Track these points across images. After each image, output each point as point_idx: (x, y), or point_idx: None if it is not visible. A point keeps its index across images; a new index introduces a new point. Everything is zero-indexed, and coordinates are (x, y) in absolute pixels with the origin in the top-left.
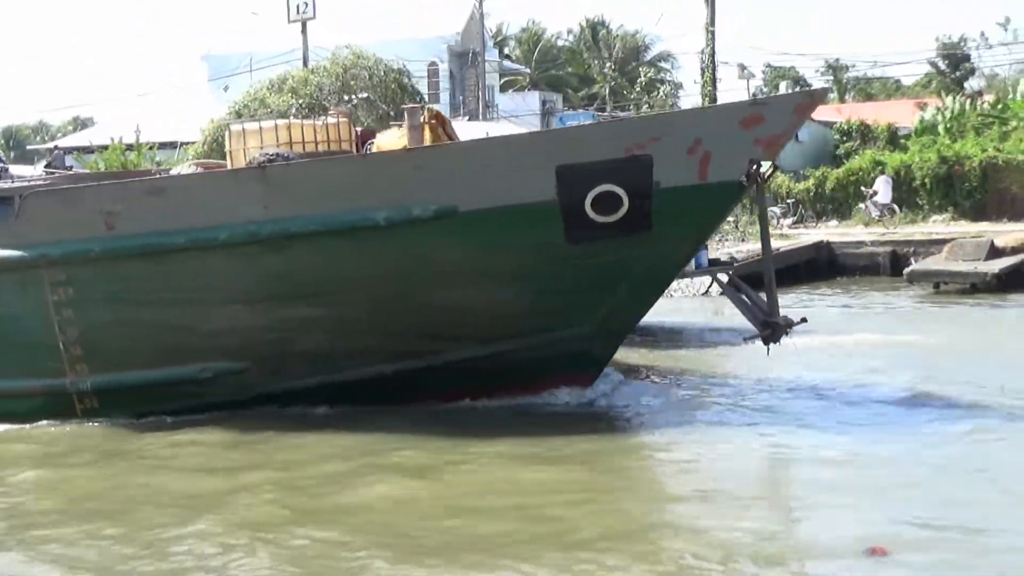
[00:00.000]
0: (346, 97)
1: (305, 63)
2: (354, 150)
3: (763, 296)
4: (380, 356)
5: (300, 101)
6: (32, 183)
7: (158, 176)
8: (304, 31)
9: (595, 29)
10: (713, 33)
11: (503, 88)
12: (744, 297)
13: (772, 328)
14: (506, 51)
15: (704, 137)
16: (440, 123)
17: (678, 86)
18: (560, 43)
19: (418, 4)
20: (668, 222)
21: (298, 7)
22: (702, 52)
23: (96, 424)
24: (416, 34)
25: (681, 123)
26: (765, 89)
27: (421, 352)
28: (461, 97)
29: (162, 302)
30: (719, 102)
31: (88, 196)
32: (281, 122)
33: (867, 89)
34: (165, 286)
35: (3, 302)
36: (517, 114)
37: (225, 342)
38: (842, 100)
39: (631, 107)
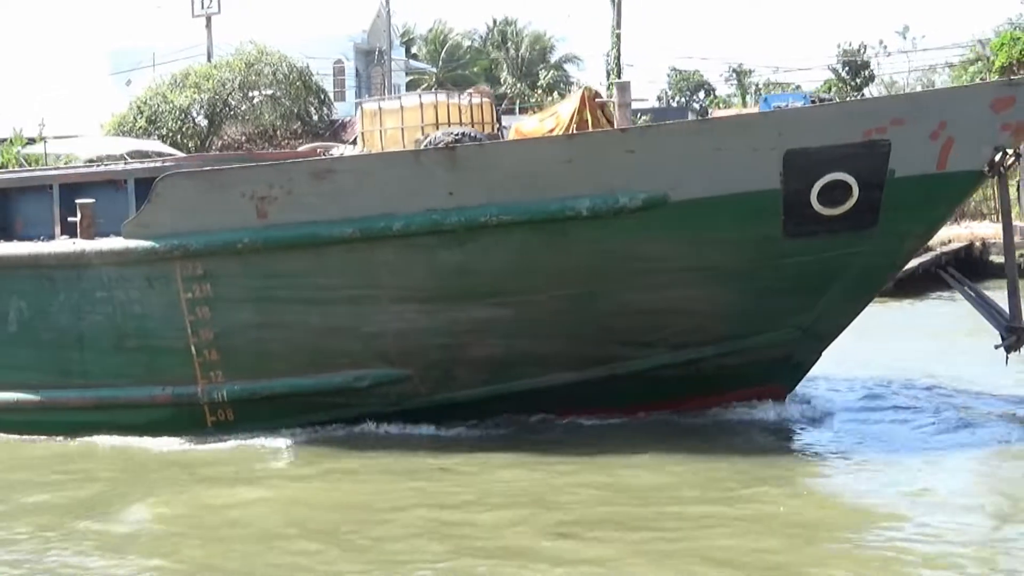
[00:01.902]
0: (250, 93)
1: (209, 58)
2: (495, 132)
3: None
4: (562, 364)
5: (203, 96)
6: (167, 164)
7: (323, 157)
8: (208, 26)
9: (503, 30)
10: (619, 36)
11: (409, 87)
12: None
13: (1018, 335)
14: (412, 50)
15: (949, 120)
16: (600, 105)
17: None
18: (467, 43)
19: (324, 1)
20: (896, 215)
21: (203, 2)
22: (607, 54)
23: (238, 439)
24: (322, 31)
25: (927, 103)
26: (669, 92)
27: (608, 359)
28: (367, 95)
29: (317, 300)
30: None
31: (238, 180)
32: (427, 100)
33: (769, 93)
34: (323, 283)
35: (127, 299)
36: None
37: (387, 346)
38: (744, 104)
39: (533, 109)
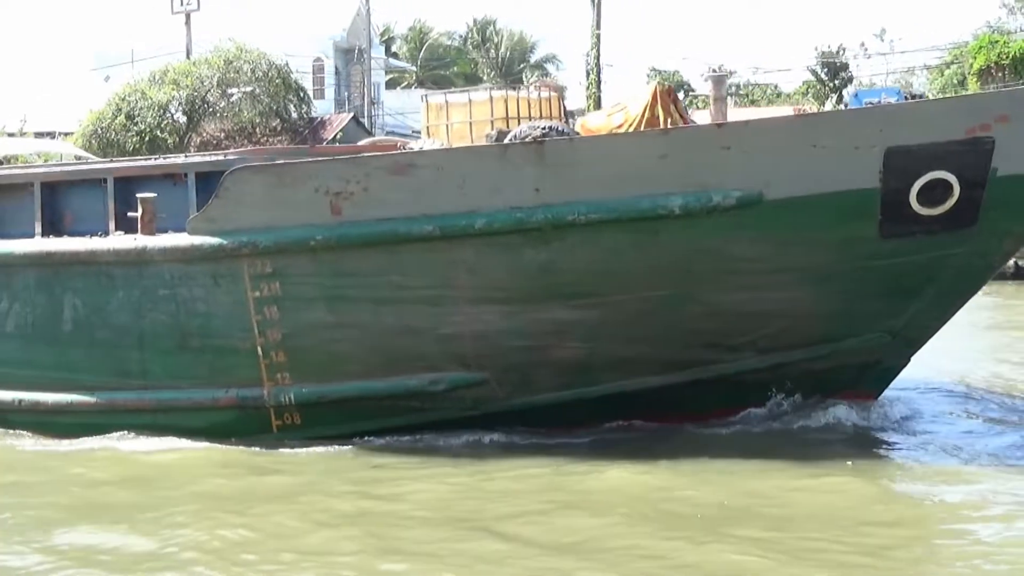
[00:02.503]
0: (229, 90)
1: (188, 55)
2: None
3: None
4: (644, 368)
5: (181, 93)
6: (229, 159)
7: (403, 151)
8: (188, 23)
9: (483, 29)
10: (599, 36)
11: (389, 85)
12: None
13: None
14: (392, 49)
15: None
16: (673, 100)
17: (563, 88)
18: (447, 42)
19: None
20: (996, 215)
21: None
22: (587, 54)
23: (313, 445)
24: (302, 29)
25: None
26: None
27: (692, 363)
28: (346, 94)
29: (392, 300)
30: (604, 104)
31: (312, 174)
32: (496, 94)
33: (749, 95)
34: (399, 282)
35: (190, 297)
36: (403, 111)
37: (463, 349)
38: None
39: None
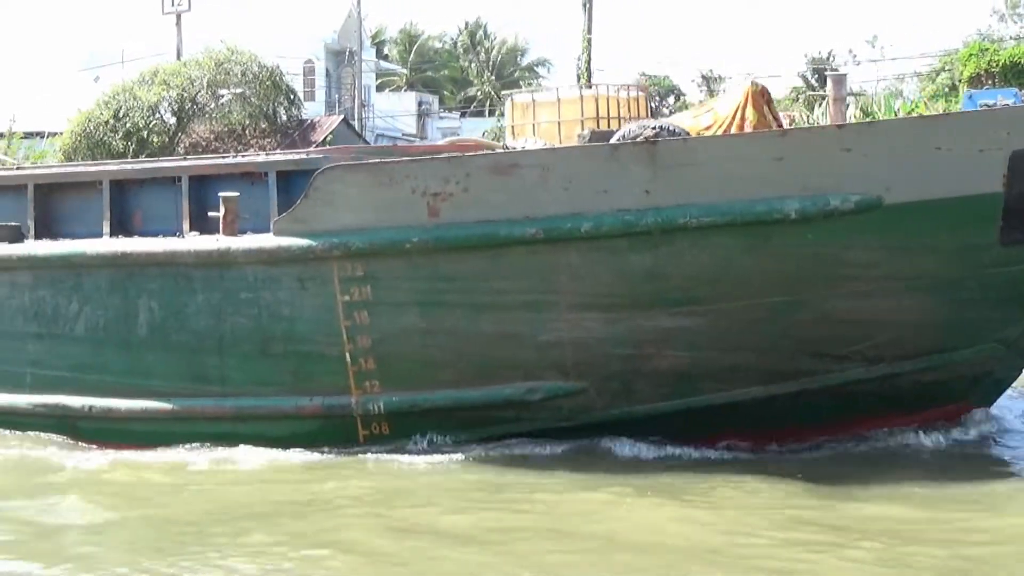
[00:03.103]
0: (219, 92)
1: (179, 56)
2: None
3: None
4: (749, 378)
5: (171, 94)
6: (313, 157)
7: (506, 151)
8: (178, 23)
9: (473, 33)
10: (590, 40)
11: (379, 88)
12: None
13: None
14: (383, 51)
15: None
16: (767, 100)
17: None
18: (437, 45)
19: (295, 1)
20: None
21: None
22: (579, 58)
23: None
24: (292, 31)
25: None
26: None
27: (799, 374)
28: (337, 96)
29: (490, 306)
30: None
31: (410, 173)
32: (587, 93)
33: None
34: (498, 287)
35: (274, 301)
36: (393, 114)
37: (563, 356)
38: None
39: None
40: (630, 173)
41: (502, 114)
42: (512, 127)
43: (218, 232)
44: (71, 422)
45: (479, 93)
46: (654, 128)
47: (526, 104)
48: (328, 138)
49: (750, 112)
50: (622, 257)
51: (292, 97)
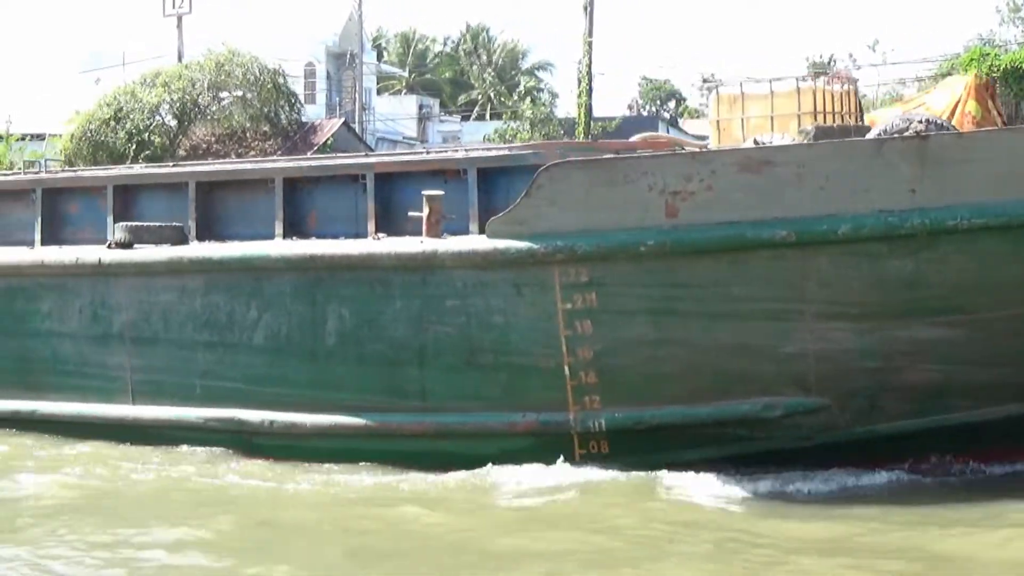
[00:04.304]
0: (220, 94)
1: (180, 58)
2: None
3: None
4: (1005, 394)
5: (172, 96)
6: (516, 153)
7: (758, 147)
8: (179, 26)
9: (475, 35)
10: (591, 44)
11: (380, 91)
12: None
13: None
14: (384, 55)
15: None
16: (991, 94)
17: (554, 95)
18: (438, 48)
19: (296, 4)
20: None
21: (174, 2)
22: (579, 63)
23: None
24: (293, 34)
25: None
26: (640, 101)
27: None
28: (337, 99)
29: (728, 315)
30: (594, 114)
31: (648, 170)
32: (803, 86)
33: None
34: (739, 294)
35: (485, 308)
36: (393, 117)
37: (806, 370)
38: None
39: (509, 114)
40: (895, 171)
41: (511, 116)
42: (717, 122)
43: (407, 234)
44: (246, 437)
45: (480, 96)
46: (921, 121)
47: (734, 98)
48: (329, 141)
49: (972, 106)
50: (880, 262)
51: (293, 100)
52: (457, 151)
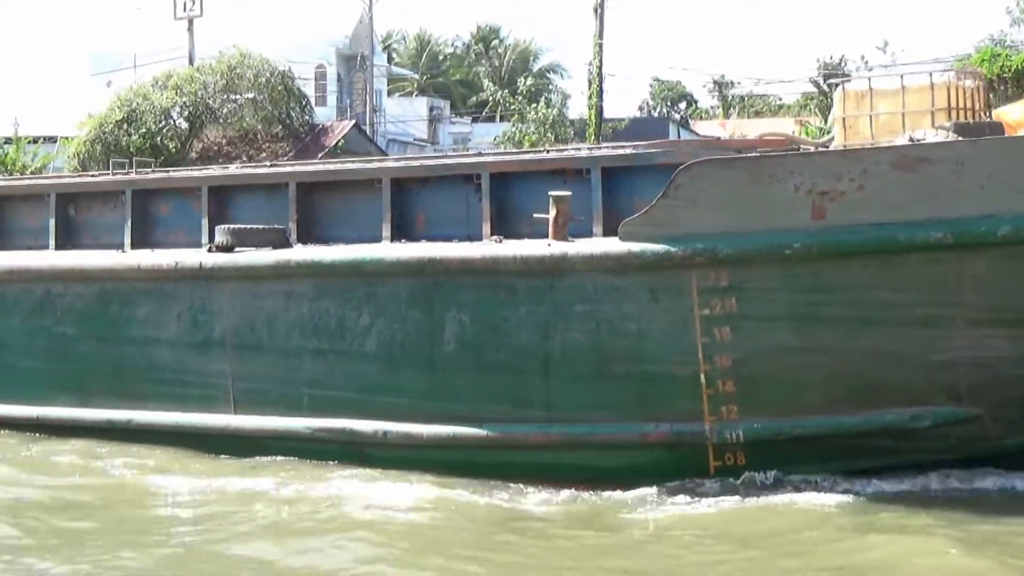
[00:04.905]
0: (232, 97)
1: (191, 61)
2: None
3: None
4: None
5: (184, 99)
6: (643, 151)
7: (913, 144)
8: (191, 29)
9: (486, 37)
10: (601, 45)
11: (390, 93)
12: None
13: None
14: (395, 57)
15: None
16: None
17: (566, 96)
18: (449, 50)
19: (307, 6)
20: None
21: (185, 4)
22: (590, 64)
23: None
24: (304, 36)
25: None
26: (651, 102)
27: None
28: (348, 101)
29: (876, 321)
30: (605, 115)
31: (795, 169)
32: (937, 80)
33: (752, 106)
34: (889, 298)
35: (617, 314)
36: (404, 119)
37: (957, 379)
38: (726, 116)
39: (514, 116)
40: None
41: (518, 119)
42: (842, 120)
43: (523, 236)
44: (359, 448)
45: (491, 98)
46: None
47: (861, 93)
48: (340, 143)
49: None
50: None
51: (304, 102)
52: (579, 150)
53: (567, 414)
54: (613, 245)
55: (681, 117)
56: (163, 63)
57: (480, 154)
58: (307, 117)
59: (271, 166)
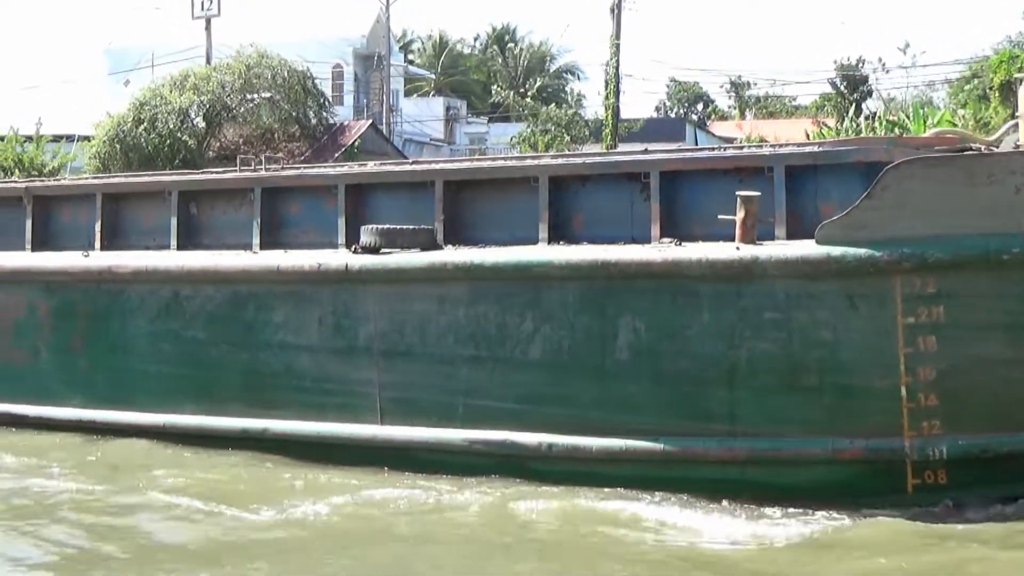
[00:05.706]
0: (249, 96)
1: (208, 60)
2: None
3: None
4: None
5: (202, 99)
6: (838, 149)
7: None
8: (208, 28)
9: (501, 38)
10: (618, 46)
11: (407, 93)
12: None
13: None
14: (411, 56)
15: None
16: None
17: (582, 97)
18: (466, 50)
19: (324, 5)
20: None
21: (203, 4)
22: (606, 65)
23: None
24: (321, 35)
25: None
26: (668, 103)
27: None
28: (365, 100)
29: None
30: (622, 115)
31: (1013, 170)
32: None
33: (768, 107)
34: None
35: (811, 322)
36: (421, 119)
37: None
38: (742, 116)
39: (527, 117)
40: None
41: (532, 120)
42: (1022, 115)
43: (694, 238)
44: (521, 462)
45: (507, 99)
46: None
47: None
48: (356, 142)
49: None
50: None
51: (321, 101)
52: (762, 148)
53: (752, 428)
54: (809, 249)
55: (698, 118)
56: (180, 62)
57: (646, 151)
58: (325, 116)
59: (413, 163)
